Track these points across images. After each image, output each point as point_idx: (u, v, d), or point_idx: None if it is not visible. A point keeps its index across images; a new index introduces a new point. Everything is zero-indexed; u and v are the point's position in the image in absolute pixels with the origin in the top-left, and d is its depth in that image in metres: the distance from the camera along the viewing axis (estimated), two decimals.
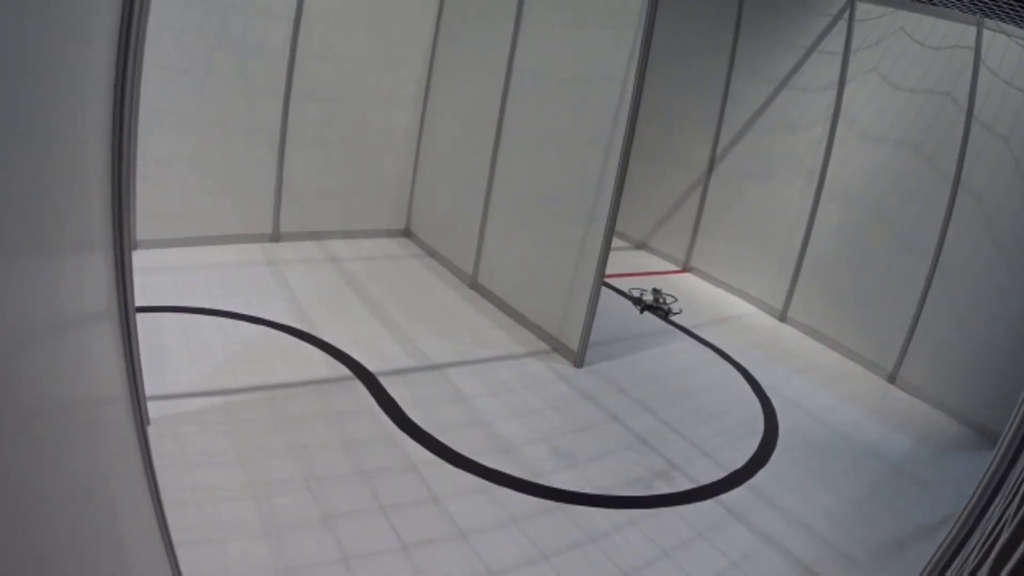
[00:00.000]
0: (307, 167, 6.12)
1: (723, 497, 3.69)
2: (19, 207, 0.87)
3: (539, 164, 5.27)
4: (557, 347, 5.05)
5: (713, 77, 7.36)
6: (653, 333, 5.85)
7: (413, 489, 3.25)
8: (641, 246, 8.31)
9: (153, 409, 3.31)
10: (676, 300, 6.54)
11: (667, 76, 7.55)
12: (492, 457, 3.63)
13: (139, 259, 5.06)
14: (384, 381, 4.17)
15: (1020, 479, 1.78)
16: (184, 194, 5.51)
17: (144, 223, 5.28)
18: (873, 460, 4.43)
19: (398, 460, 3.45)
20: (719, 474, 3.90)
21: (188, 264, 5.31)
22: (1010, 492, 1.81)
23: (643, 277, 7.21)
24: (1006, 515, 1.59)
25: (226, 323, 4.51)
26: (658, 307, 6.28)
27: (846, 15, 6.21)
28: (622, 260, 7.57)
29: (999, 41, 5.15)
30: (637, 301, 5.72)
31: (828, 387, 5.42)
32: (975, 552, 1.74)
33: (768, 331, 6.41)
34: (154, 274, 4.98)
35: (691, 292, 6.99)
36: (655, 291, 6.53)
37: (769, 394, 5.07)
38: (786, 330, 6.54)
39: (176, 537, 2.23)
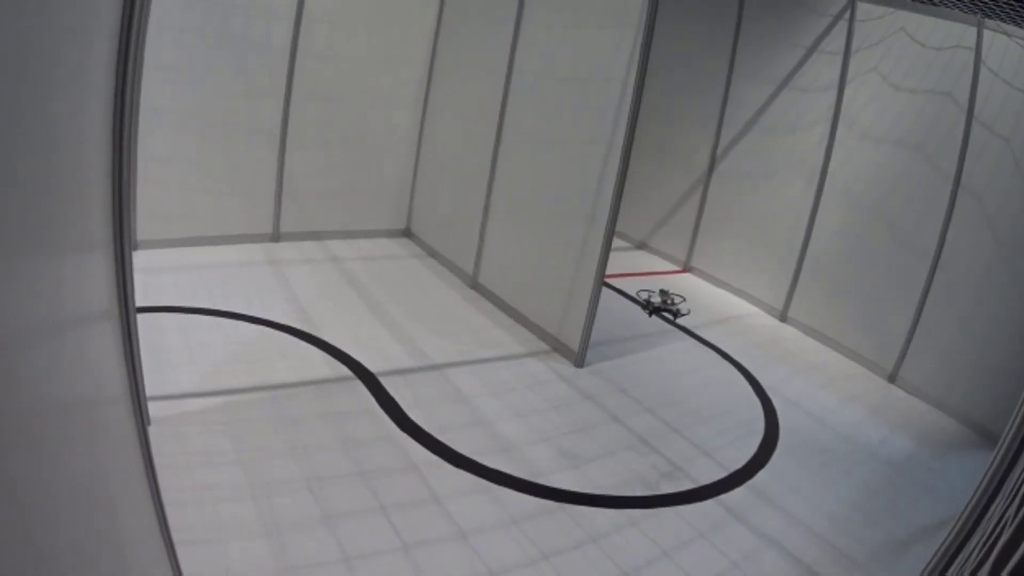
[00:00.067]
0: (307, 167, 6.13)
1: (723, 497, 3.69)
2: (20, 207, 0.87)
3: (540, 164, 5.27)
4: (557, 347, 5.05)
5: (714, 77, 7.36)
6: (654, 333, 5.85)
7: (414, 489, 3.25)
8: (642, 246, 8.31)
9: (153, 409, 3.31)
10: (684, 300, 6.53)
11: (668, 76, 7.55)
12: (492, 457, 3.63)
13: (139, 259, 5.06)
14: (385, 381, 4.17)
15: (1020, 480, 1.78)
16: (184, 194, 5.51)
17: (144, 223, 5.28)
18: (873, 460, 4.43)
19: (399, 460, 3.45)
20: (719, 474, 3.90)
21: (188, 264, 5.31)
22: (1010, 493, 1.81)
23: (644, 277, 7.21)
24: (1006, 516, 1.59)
25: (226, 323, 4.51)
26: (667, 309, 6.27)
27: (847, 15, 6.20)
28: (623, 260, 7.57)
29: (999, 41, 5.15)
30: (646, 304, 5.71)
31: (829, 387, 5.42)
32: (975, 553, 1.74)
33: (769, 331, 6.41)
34: (155, 274, 4.98)
35: (692, 292, 6.99)
36: (663, 292, 6.52)
37: (770, 394, 5.06)
38: (787, 330, 6.54)
39: (176, 537, 2.23)
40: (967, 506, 2.11)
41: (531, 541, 3.06)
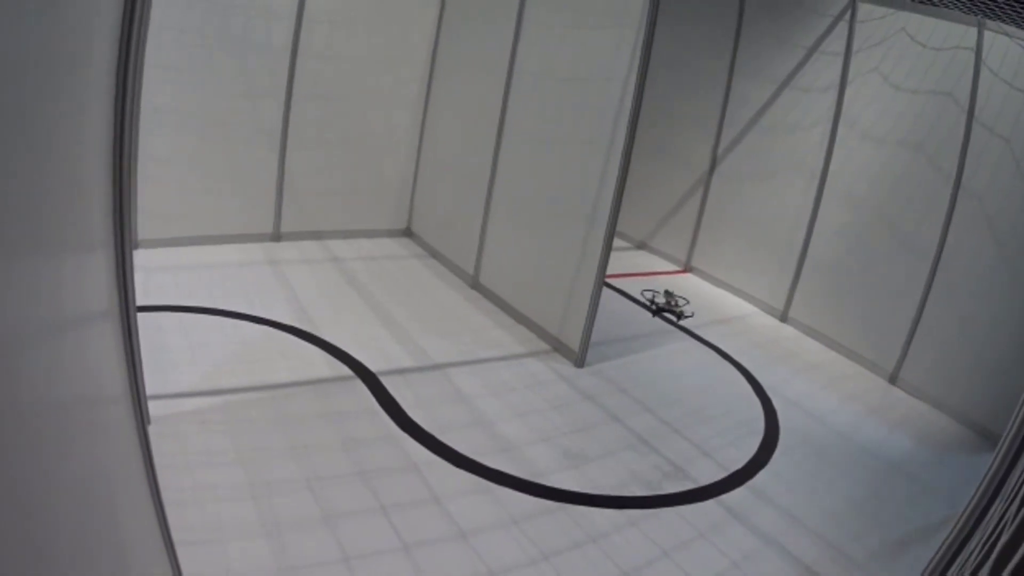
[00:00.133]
0: (308, 167, 6.13)
1: (724, 497, 3.69)
2: (20, 207, 0.87)
3: (540, 164, 5.27)
4: (558, 347, 5.05)
5: (714, 77, 7.36)
6: (654, 333, 5.85)
7: (414, 489, 3.25)
8: (642, 246, 8.30)
9: (154, 408, 3.31)
10: (688, 303, 6.54)
11: (668, 76, 7.54)
12: (493, 457, 3.63)
13: (140, 258, 5.06)
14: (385, 381, 4.17)
15: (1020, 481, 1.78)
16: (185, 193, 5.52)
17: (145, 222, 5.28)
18: (873, 461, 4.42)
19: (399, 460, 3.45)
20: (720, 474, 3.90)
21: (189, 264, 5.31)
22: (1010, 494, 1.81)
23: (644, 277, 7.21)
24: (1006, 516, 1.59)
25: (227, 322, 4.51)
26: (670, 310, 6.28)
27: (847, 16, 6.20)
28: (623, 260, 7.56)
29: (1000, 42, 5.15)
30: (650, 304, 5.73)
31: (829, 387, 5.41)
32: (975, 553, 1.74)
33: (769, 331, 6.41)
34: (155, 273, 4.98)
35: (692, 292, 6.98)
36: (667, 293, 6.53)
37: (770, 394, 5.06)
38: (787, 330, 6.54)
39: (176, 537, 2.23)
40: (967, 506, 2.11)
41: (531, 541, 3.06)
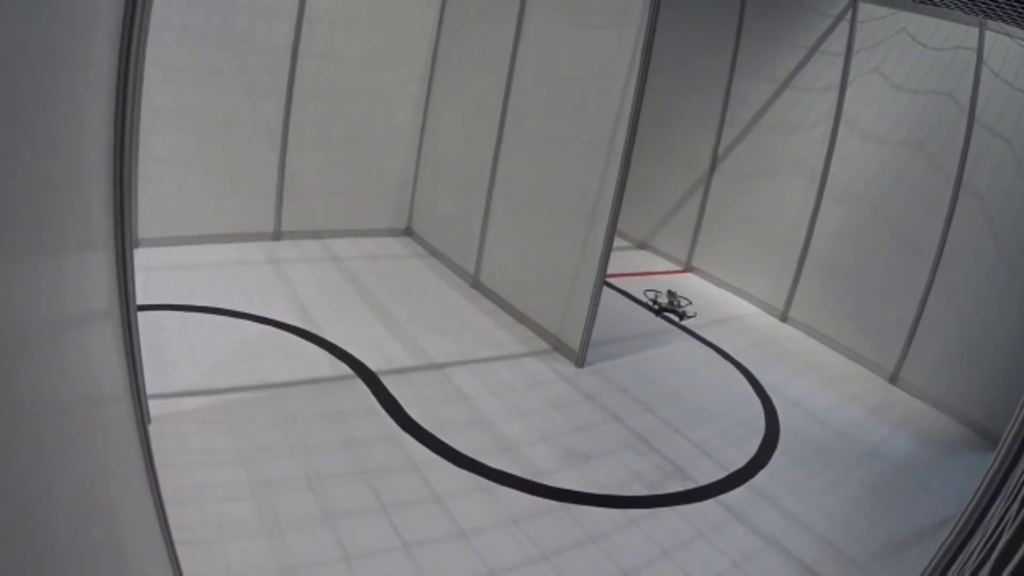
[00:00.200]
0: (309, 166, 6.13)
1: (724, 497, 3.69)
2: (20, 206, 0.87)
3: (541, 164, 5.27)
4: (558, 347, 5.05)
5: (715, 77, 7.35)
6: (654, 333, 5.85)
7: (414, 488, 3.26)
8: (643, 246, 8.30)
9: (154, 408, 3.32)
10: (691, 303, 6.54)
11: (669, 76, 7.54)
12: (493, 456, 3.63)
13: (140, 257, 5.06)
14: (385, 380, 4.17)
15: (1021, 481, 1.78)
16: (185, 192, 5.52)
17: (145, 221, 5.28)
18: (874, 461, 4.42)
19: (399, 459, 3.45)
20: (720, 474, 3.90)
21: (189, 262, 5.32)
22: (1011, 494, 1.81)
23: (645, 277, 7.21)
24: (1007, 517, 1.59)
25: (227, 322, 4.51)
26: (673, 310, 6.29)
27: (848, 16, 6.20)
28: (624, 260, 7.57)
29: (1001, 42, 5.15)
30: (653, 303, 5.74)
31: (829, 387, 5.41)
32: (976, 553, 1.74)
33: (769, 331, 6.41)
34: (155, 272, 4.99)
35: (693, 292, 6.98)
36: (670, 293, 6.54)
37: (770, 394, 5.06)
38: (787, 330, 6.53)
39: (177, 536, 2.23)
40: (968, 506, 2.11)
41: (531, 541, 3.06)
